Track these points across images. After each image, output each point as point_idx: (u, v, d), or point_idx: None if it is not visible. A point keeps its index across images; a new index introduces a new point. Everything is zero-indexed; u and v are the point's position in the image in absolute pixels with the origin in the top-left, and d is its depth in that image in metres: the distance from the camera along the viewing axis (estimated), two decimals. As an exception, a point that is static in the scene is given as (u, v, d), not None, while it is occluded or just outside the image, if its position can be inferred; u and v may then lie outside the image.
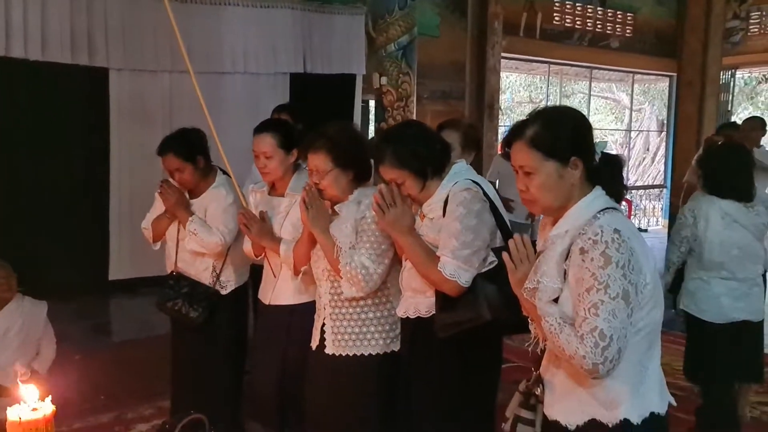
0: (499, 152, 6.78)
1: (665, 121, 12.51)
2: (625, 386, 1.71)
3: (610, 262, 1.64)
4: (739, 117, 11.30)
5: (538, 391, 1.87)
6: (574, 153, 1.77)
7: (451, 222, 2.22)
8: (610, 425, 1.71)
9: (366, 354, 2.42)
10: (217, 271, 3.12)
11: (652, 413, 1.73)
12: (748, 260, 3.32)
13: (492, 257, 2.24)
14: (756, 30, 10.95)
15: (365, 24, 7.33)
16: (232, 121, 5.79)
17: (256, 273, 3.16)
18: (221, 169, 3.26)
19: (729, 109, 11.46)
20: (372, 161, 2.48)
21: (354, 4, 7.43)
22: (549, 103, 11.38)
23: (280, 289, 2.75)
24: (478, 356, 2.34)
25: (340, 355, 2.44)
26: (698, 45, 10.09)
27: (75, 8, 5.99)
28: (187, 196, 3.17)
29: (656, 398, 1.75)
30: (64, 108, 6.07)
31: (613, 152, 2.06)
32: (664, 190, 12.00)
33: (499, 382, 2.45)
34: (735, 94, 12.46)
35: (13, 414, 1.79)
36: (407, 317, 2.38)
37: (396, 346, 2.45)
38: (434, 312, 2.28)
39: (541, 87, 12.27)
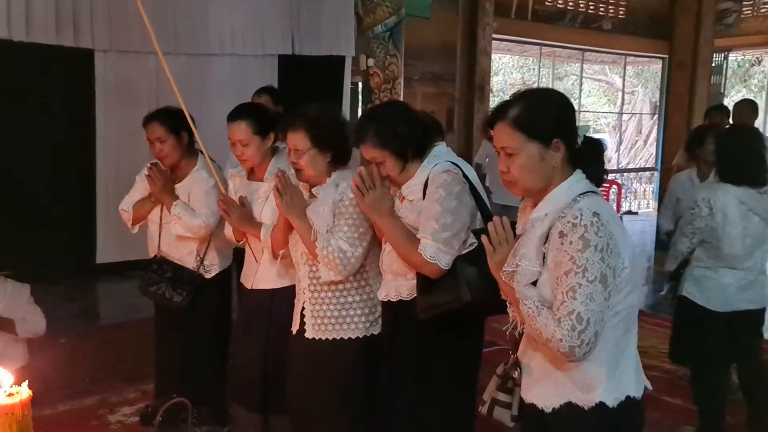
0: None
1: (658, 104, 12.50)
2: (601, 369, 1.71)
3: (588, 245, 1.64)
4: (732, 99, 11.29)
5: (515, 375, 1.87)
6: (556, 135, 1.76)
7: (430, 204, 2.21)
8: (586, 408, 1.72)
9: (346, 338, 2.41)
10: (201, 255, 3.11)
11: (627, 397, 1.73)
12: (758, 248, 3.29)
13: (472, 239, 2.24)
14: (749, 12, 10.89)
15: (354, 5, 7.26)
16: (220, 103, 5.65)
17: (240, 256, 3.14)
18: (203, 153, 3.23)
19: (722, 91, 11.44)
20: (352, 145, 2.46)
21: (343, -15, 7.36)
22: (541, 86, 11.34)
23: (261, 273, 2.74)
24: (459, 338, 2.34)
25: (320, 339, 2.43)
26: (690, 26, 10.05)
27: (60, -13, 5.90)
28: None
29: (632, 382, 1.75)
30: (49, 90, 6.02)
31: (596, 136, 2.05)
32: (656, 173, 12.02)
33: (480, 364, 2.45)
34: (728, 76, 12.43)
35: (-13, 398, 1.76)
36: (388, 300, 2.37)
37: (376, 330, 2.44)
38: (415, 295, 2.28)
39: (534, 69, 12.21)
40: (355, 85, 7.56)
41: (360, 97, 6.68)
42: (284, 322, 2.56)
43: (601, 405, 1.71)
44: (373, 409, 2.41)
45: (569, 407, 1.73)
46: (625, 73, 12.88)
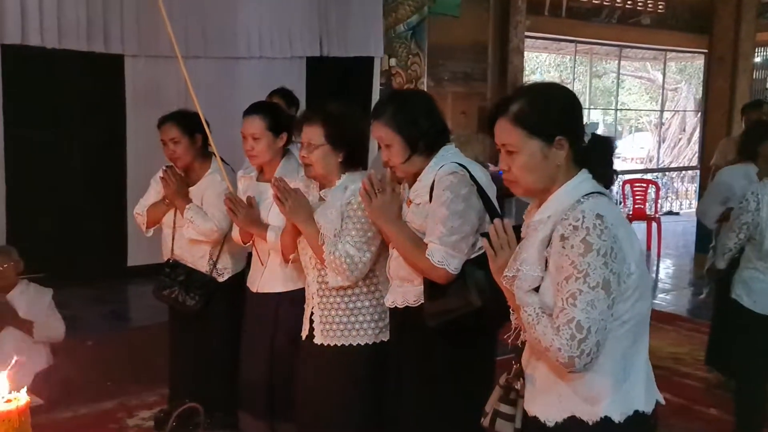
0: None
1: (702, 101, 12.12)
2: (607, 381, 1.62)
3: (590, 249, 1.54)
4: (776, 95, 10.85)
5: (518, 385, 1.78)
6: (560, 132, 1.67)
7: (437, 207, 2.14)
8: (590, 422, 1.62)
9: (355, 344, 2.36)
10: (214, 259, 3.10)
11: (636, 411, 1.63)
12: None
13: (480, 242, 2.15)
14: (794, 5, 10.45)
15: (377, 5, 7.20)
16: (247, 106, 5.76)
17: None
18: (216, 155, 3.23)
19: (767, 86, 11.03)
20: (366, 147, 2.41)
21: (370, -15, 7.30)
22: (576, 84, 11.11)
23: (267, 277, 2.71)
24: (469, 346, 2.26)
25: (329, 345, 2.38)
26: (730, 20, 9.68)
27: (91, -5, 6.00)
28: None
29: (641, 395, 1.65)
30: (81, 95, 6.11)
31: (605, 134, 1.94)
32: (698, 171, 11.65)
33: (493, 373, 2.35)
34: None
35: (-16, 405, 1.75)
36: (395, 307, 2.30)
37: (385, 336, 2.39)
38: (423, 301, 2.21)
39: (571, 67, 11.97)
40: (383, 85, 7.50)
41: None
42: (290, 327, 2.52)
43: (606, 419, 1.61)
44: (381, 418, 2.35)
45: (573, 421, 1.63)
46: (665, 69, 12.50)
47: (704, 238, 5.96)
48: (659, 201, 11.10)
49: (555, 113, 1.69)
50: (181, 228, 3.10)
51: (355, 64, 7.19)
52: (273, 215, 2.65)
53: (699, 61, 11.83)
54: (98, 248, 6.20)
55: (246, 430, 2.88)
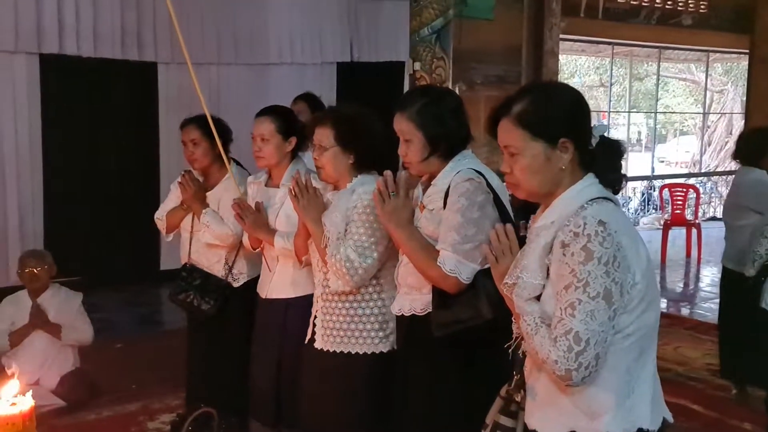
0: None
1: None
2: (609, 396, 1.54)
3: (591, 257, 1.48)
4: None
5: (518, 397, 1.72)
6: (564, 134, 1.61)
7: (452, 214, 2.07)
8: (591, 439, 1.54)
9: (353, 352, 2.32)
10: (230, 264, 3.10)
11: (640, 429, 1.54)
12: None
13: None
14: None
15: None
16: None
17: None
18: (236, 162, 3.24)
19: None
20: (379, 150, 2.37)
21: (400, -11, 7.28)
22: (616, 88, 10.88)
23: (276, 283, 2.69)
24: (478, 361, 2.15)
25: (328, 350, 2.35)
26: (772, 19, 9.35)
27: (125, 5, 6.14)
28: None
29: (646, 412, 1.56)
30: (116, 102, 6.27)
31: (613, 137, 1.86)
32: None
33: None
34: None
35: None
36: (402, 315, 2.24)
37: (386, 347, 2.33)
38: (430, 310, 2.14)
39: (612, 70, 11.74)
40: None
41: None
42: (298, 333, 2.49)
43: (607, 436, 1.53)
44: (385, 427, 2.30)
45: (572, 437, 1.56)
46: (708, 70, 12.17)
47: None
48: (702, 206, 10.79)
49: (559, 114, 1.63)
50: (198, 232, 3.11)
51: (385, 69, 7.18)
52: (281, 221, 2.64)
53: (745, 62, 11.47)
54: (132, 252, 6.32)
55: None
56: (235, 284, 3.10)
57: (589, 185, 1.63)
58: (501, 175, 1.85)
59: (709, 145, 15.00)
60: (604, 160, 1.70)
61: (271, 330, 2.69)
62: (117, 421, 3.62)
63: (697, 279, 7.35)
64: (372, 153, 2.37)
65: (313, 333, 2.41)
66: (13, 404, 1.91)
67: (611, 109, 12.92)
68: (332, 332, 2.34)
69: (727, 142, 14.85)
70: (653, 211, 10.75)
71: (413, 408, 2.22)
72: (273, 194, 2.74)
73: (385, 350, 2.32)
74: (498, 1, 7.91)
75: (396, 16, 7.16)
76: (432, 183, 2.19)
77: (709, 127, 14.56)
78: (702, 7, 9.83)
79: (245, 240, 2.83)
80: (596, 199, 1.59)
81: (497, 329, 2.05)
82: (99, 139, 6.23)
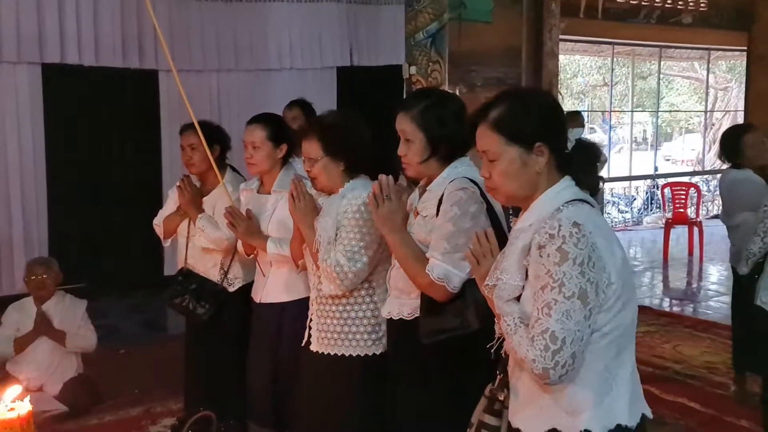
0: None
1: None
2: (588, 394, 1.57)
3: (566, 258, 1.51)
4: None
5: (502, 396, 1.75)
6: (539, 138, 1.65)
7: (444, 223, 2.08)
8: (571, 436, 1.58)
9: (347, 355, 2.35)
10: (225, 268, 3.14)
11: (618, 425, 1.58)
12: None
13: None
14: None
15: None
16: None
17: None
18: (232, 168, 3.29)
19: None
20: (369, 153, 2.40)
21: (398, -6, 7.33)
22: (619, 87, 10.88)
23: (269, 288, 2.74)
24: (463, 369, 2.14)
25: (323, 353, 2.39)
26: (770, 16, 9.33)
27: (125, 14, 6.21)
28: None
29: (625, 409, 1.59)
30: (118, 110, 6.34)
31: (589, 140, 1.88)
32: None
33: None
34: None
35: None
36: (391, 318, 2.27)
37: (378, 349, 2.36)
38: (417, 315, 2.15)
39: (614, 69, 11.73)
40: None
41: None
42: (294, 337, 2.53)
43: (586, 433, 1.57)
44: (378, 429, 2.33)
45: (554, 434, 1.60)
46: (709, 68, 12.14)
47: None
48: (705, 205, 10.77)
49: (534, 119, 1.66)
50: (194, 237, 3.16)
51: (384, 73, 7.21)
52: (273, 226, 2.69)
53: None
54: (135, 258, 6.37)
55: (252, 438, 2.91)
56: (231, 289, 3.14)
57: (565, 188, 1.67)
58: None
59: (714, 142, 14.95)
60: (580, 163, 1.74)
61: (266, 333, 2.73)
62: (119, 426, 3.68)
63: (699, 277, 7.35)
64: (362, 157, 2.40)
65: (309, 336, 2.44)
66: (11, 409, 1.96)
67: (615, 108, 12.92)
68: (326, 335, 2.38)
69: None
70: (657, 209, 10.74)
71: (402, 408, 2.26)
72: (265, 201, 2.78)
73: (378, 352, 2.35)
74: (497, 4, 7.92)
75: (394, 20, 7.20)
76: (427, 189, 2.21)
77: (713, 124, 14.53)
78: (702, 5, 9.82)
79: (239, 246, 2.87)
80: (572, 202, 1.62)
81: (484, 341, 2.06)
82: (101, 147, 6.32)
